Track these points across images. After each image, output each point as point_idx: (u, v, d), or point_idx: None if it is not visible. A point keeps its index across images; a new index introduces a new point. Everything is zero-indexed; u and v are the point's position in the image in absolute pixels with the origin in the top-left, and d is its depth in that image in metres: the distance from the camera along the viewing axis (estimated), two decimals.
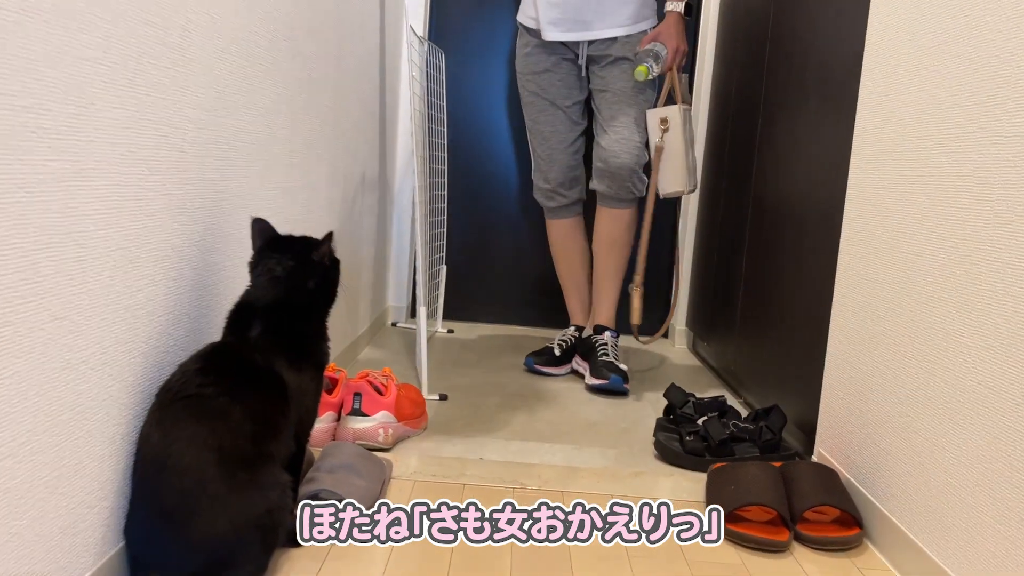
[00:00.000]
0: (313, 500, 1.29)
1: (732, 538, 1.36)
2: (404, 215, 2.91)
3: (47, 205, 0.82)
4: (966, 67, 1.18)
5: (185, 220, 1.14)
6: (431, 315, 2.75)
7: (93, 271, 0.91)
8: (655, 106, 2.29)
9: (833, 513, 1.41)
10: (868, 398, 1.42)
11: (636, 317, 2.28)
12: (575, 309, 2.54)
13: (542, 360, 2.39)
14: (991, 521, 1.06)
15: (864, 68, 1.52)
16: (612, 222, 2.37)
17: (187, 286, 1.17)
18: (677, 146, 2.23)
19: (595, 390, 2.21)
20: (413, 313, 2.98)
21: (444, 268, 2.90)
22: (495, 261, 3.04)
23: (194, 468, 1.02)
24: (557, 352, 2.40)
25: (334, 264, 1.25)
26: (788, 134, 1.96)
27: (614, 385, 2.17)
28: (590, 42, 2.31)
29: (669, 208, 2.83)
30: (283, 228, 1.26)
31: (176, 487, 1.01)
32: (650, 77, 2.22)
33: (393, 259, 2.91)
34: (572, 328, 2.49)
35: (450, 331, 2.87)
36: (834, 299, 1.59)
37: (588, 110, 2.43)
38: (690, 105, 2.30)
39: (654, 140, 2.24)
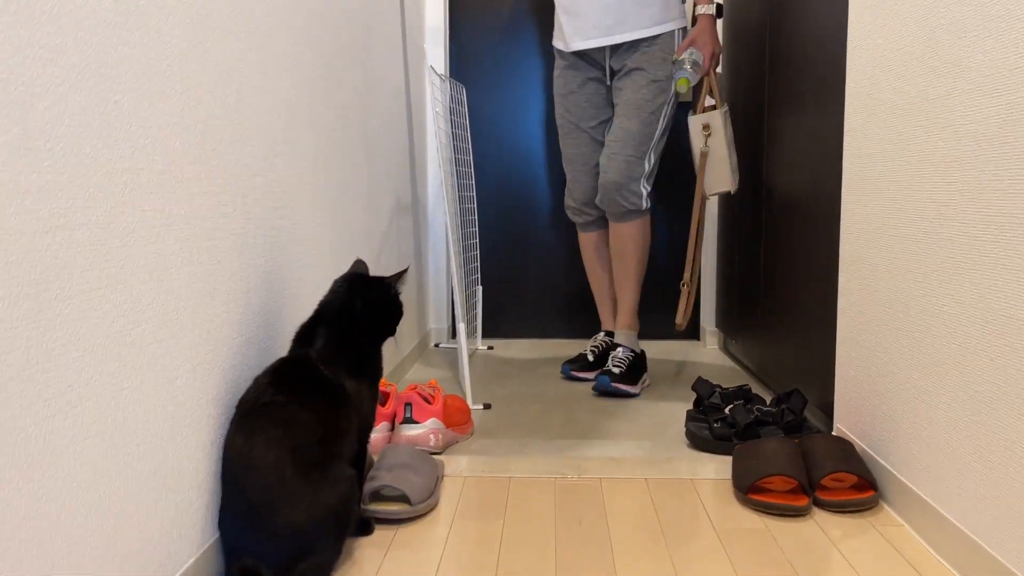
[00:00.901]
0: (376, 495, 1.45)
1: (756, 507, 1.48)
2: (439, 241, 3.08)
3: (144, 248, 0.99)
4: (928, 68, 1.32)
5: (249, 255, 1.31)
6: (471, 333, 2.91)
7: (181, 302, 1.08)
8: (694, 111, 2.36)
9: (850, 480, 1.53)
10: (874, 373, 1.54)
11: (679, 316, 2.36)
12: (605, 316, 2.64)
13: (577, 366, 2.52)
14: (979, 469, 1.18)
15: (848, 69, 1.66)
16: (615, 236, 2.47)
17: (254, 311, 1.34)
18: (720, 148, 2.31)
19: (595, 390, 2.32)
20: (454, 334, 3.15)
21: (480, 288, 3.07)
22: (529, 279, 3.19)
23: (273, 467, 1.18)
24: (591, 358, 2.53)
25: (394, 300, 1.42)
26: (790, 134, 2.10)
27: (600, 383, 2.29)
28: (613, 50, 2.38)
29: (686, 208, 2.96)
30: (326, 257, 1.43)
31: (259, 485, 1.17)
32: (691, 86, 2.28)
33: (431, 283, 3.08)
34: (602, 334, 2.61)
35: (490, 347, 3.03)
36: (839, 286, 1.72)
37: None
38: (726, 106, 2.38)
39: (698, 145, 2.33)
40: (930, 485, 1.33)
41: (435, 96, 2.47)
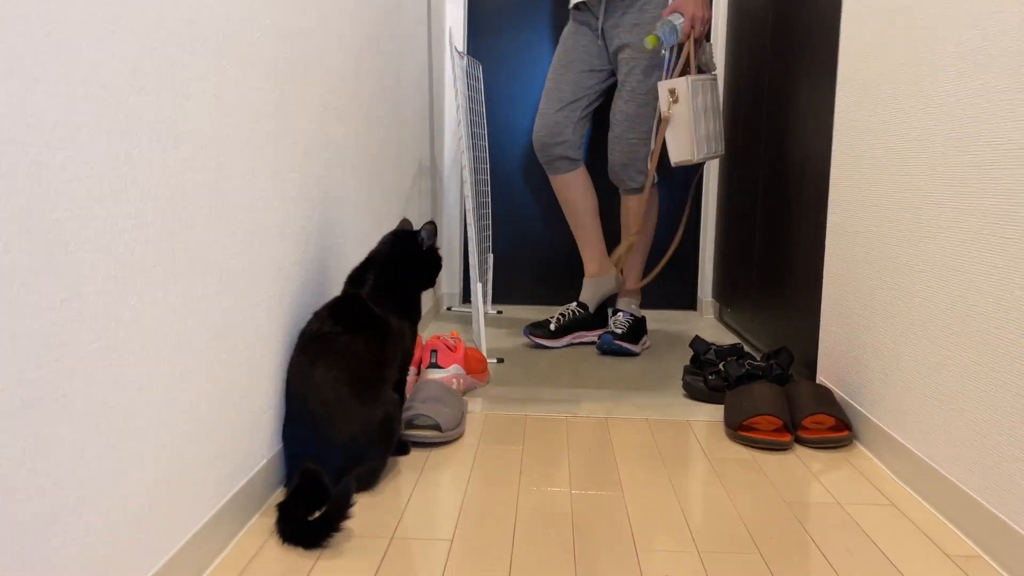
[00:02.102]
0: (411, 423, 1.65)
1: (744, 442, 1.69)
2: (453, 209, 3.27)
3: (240, 190, 1.18)
4: (905, 54, 1.51)
5: (308, 207, 1.50)
6: (483, 298, 3.10)
7: (260, 243, 1.27)
8: (670, 76, 2.34)
9: (829, 422, 1.73)
10: (852, 329, 1.74)
11: (614, 257, 2.63)
12: (588, 258, 2.69)
13: (538, 332, 2.59)
14: (936, 405, 1.38)
15: (839, 55, 1.85)
16: (623, 208, 2.62)
17: (311, 255, 1.53)
18: (686, 115, 2.29)
19: (598, 349, 2.53)
20: (465, 298, 3.34)
21: (491, 256, 3.25)
22: (537, 248, 3.38)
23: (332, 387, 1.37)
24: (552, 327, 2.59)
25: (436, 257, 1.61)
26: (786, 113, 2.29)
27: (603, 341, 2.49)
28: (607, 9, 2.45)
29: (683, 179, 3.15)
30: (363, 213, 1.62)
31: (321, 402, 1.36)
32: (662, 48, 2.29)
33: (444, 249, 3.27)
34: (575, 304, 2.66)
35: (499, 312, 3.23)
36: (825, 252, 1.91)
37: (607, 91, 2.60)
38: (713, 74, 2.39)
39: (663, 111, 2.31)
40: (896, 422, 1.53)
41: (455, 72, 2.64)
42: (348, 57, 1.73)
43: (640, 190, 2.56)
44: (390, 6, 2.16)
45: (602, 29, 2.50)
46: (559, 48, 2.61)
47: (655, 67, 2.44)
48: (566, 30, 2.61)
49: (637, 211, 2.59)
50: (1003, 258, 1.19)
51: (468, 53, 3.26)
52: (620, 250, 2.64)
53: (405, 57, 2.38)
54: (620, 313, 2.61)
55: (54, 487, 0.78)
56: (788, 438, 1.67)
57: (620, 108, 2.50)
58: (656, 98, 2.42)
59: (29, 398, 0.73)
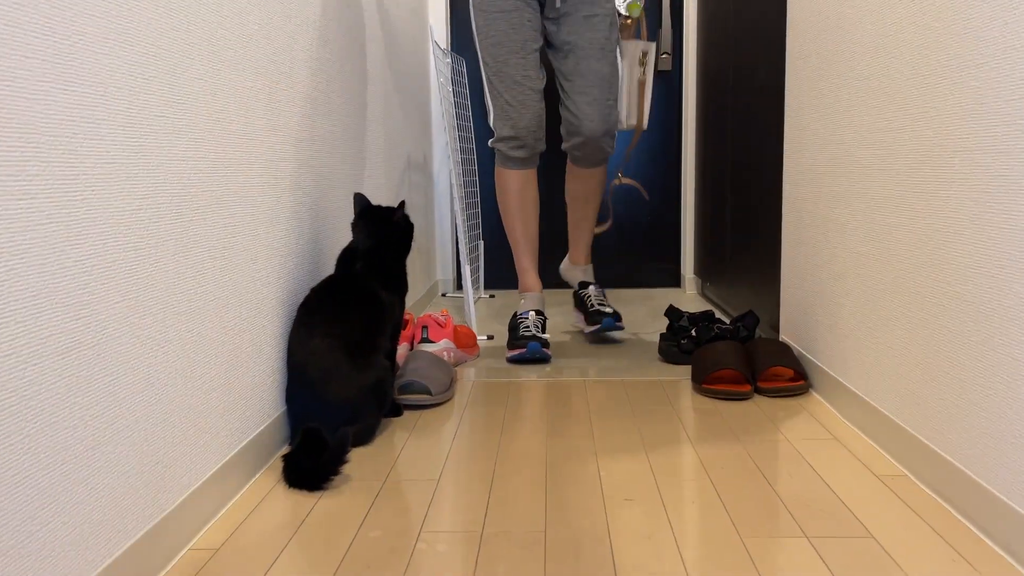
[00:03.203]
0: (403, 388, 1.80)
1: (709, 394, 1.84)
2: (443, 199, 3.43)
3: (237, 178, 1.33)
4: (834, 40, 1.66)
5: (301, 193, 1.65)
6: (474, 284, 3.25)
7: (259, 224, 1.43)
8: (637, 37, 2.29)
9: (787, 373, 1.89)
10: (806, 289, 1.89)
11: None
12: (528, 268, 2.46)
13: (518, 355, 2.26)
14: (869, 351, 1.53)
15: (787, 41, 2.00)
16: (584, 179, 2.41)
17: (306, 238, 1.68)
18: (649, 82, 2.30)
19: (595, 334, 2.48)
20: (459, 285, 3.50)
21: (482, 243, 3.41)
22: None
23: (328, 354, 1.53)
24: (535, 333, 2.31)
25: (408, 224, 1.76)
26: (748, 97, 2.44)
27: (607, 325, 2.37)
28: None
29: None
30: (352, 192, 1.77)
31: (319, 367, 1.52)
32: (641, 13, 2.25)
33: (437, 239, 3.43)
34: (533, 313, 2.35)
35: (491, 296, 3.38)
36: (782, 225, 2.06)
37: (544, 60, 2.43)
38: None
39: (636, 75, 2.28)
40: (840, 367, 1.69)
41: (438, 68, 2.80)
42: (333, 57, 1.89)
43: (606, 160, 2.40)
44: (373, 8, 2.31)
45: None
46: (501, 21, 2.25)
47: (615, 23, 2.28)
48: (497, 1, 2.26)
49: (602, 182, 2.46)
50: (916, 210, 1.34)
51: (452, 49, 3.41)
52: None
53: (391, 56, 2.54)
54: (592, 288, 2.51)
55: (93, 419, 0.93)
56: (748, 388, 1.82)
57: (592, 68, 2.23)
58: (616, 57, 2.27)
59: (69, 344, 0.89)
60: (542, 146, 2.36)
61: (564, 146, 2.37)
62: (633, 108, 2.39)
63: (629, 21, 2.36)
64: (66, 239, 0.89)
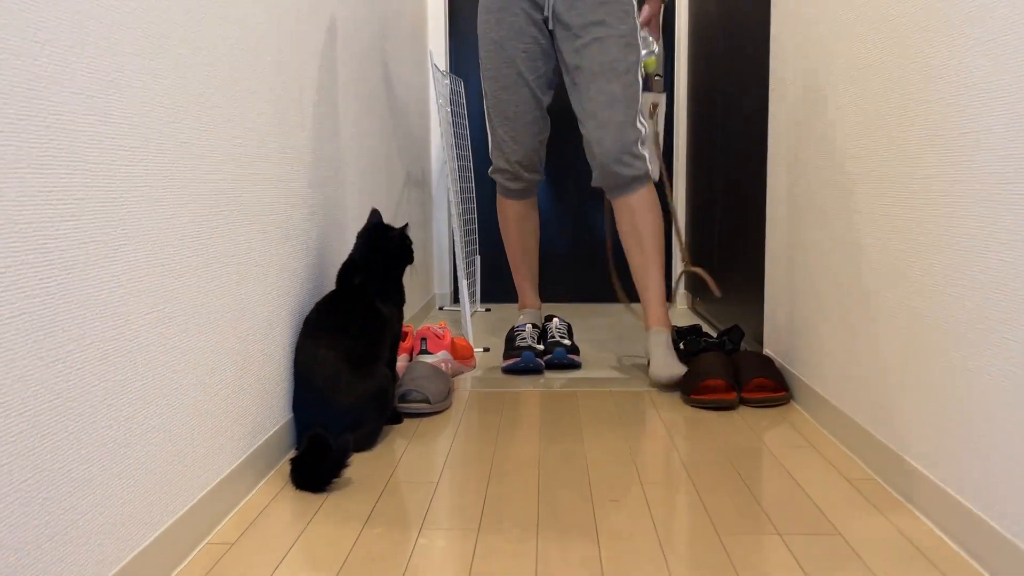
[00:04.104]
0: (404, 397, 1.90)
1: (696, 405, 1.94)
2: (441, 214, 3.53)
3: (253, 196, 1.43)
4: (818, 78, 1.76)
5: (308, 213, 1.75)
6: (471, 297, 3.35)
7: (271, 241, 1.52)
8: (647, 88, 2.28)
9: (770, 384, 1.98)
10: (788, 305, 1.99)
11: (712, 287, 2.39)
12: (527, 289, 2.54)
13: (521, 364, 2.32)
14: (842, 362, 1.63)
15: (771, 71, 2.10)
16: (624, 212, 2.17)
17: (313, 255, 1.78)
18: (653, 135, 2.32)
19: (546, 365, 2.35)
20: (456, 298, 3.59)
21: (479, 257, 3.51)
22: None
23: (333, 364, 1.62)
24: (542, 346, 2.39)
25: (403, 242, 1.85)
26: (732, 125, 2.55)
27: (556, 356, 2.33)
28: None
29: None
30: (359, 219, 1.87)
31: (324, 377, 1.61)
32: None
33: (435, 254, 3.53)
34: (530, 326, 2.41)
35: (487, 309, 3.48)
36: (766, 245, 2.16)
37: (557, 81, 2.32)
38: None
39: (651, 128, 2.26)
40: (818, 379, 1.78)
41: (437, 89, 2.90)
42: (338, 84, 1.99)
43: (644, 178, 2.16)
44: (376, 35, 2.42)
45: (554, 10, 2.17)
46: (494, 55, 2.23)
47: (632, 45, 2.14)
48: (499, 25, 2.21)
49: (656, 206, 2.17)
50: (884, 232, 1.44)
51: (451, 71, 3.52)
52: (705, 276, 2.39)
53: (392, 80, 2.64)
54: (556, 319, 2.47)
55: (126, 420, 1.03)
56: (733, 395, 1.91)
57: (603, 88, 2.11)
58: (636, 78, 2.14)
59: (107, 352, 0.99)
60: (538, 177, 2.39)
61: (593, 180, 2.22)
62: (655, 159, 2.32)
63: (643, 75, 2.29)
64: (105, 256, 0.98)
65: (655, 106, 2.32)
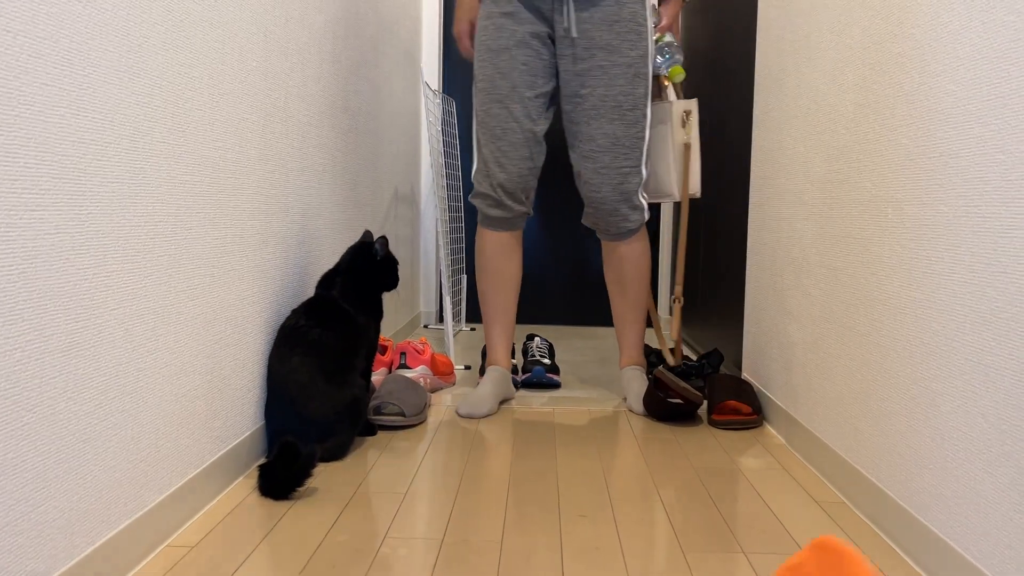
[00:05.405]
0: (379, 409, 1.89)
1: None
2: (428, 232, 3.53)
3: (228, 201, 1.43)
4: (796, 107, 1.78)
5: (289, 221, 1.75)
6: (456, 316, 3.35)
7: (248, 246, 1.53)
8: (668, 97, 2.16)
9: (746, 410, 1.98)
10: (764, 329, 2.00)
11: (675, 333, 2.24)
12: (497, 343, 2.15)
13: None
14: (815, 386, 1.63)
15: (754, 101, 2.13)
16: (613, 258, 2.10)
17: (292, 263, 1.78)
18: (695, 143, 2.10)
19: (524, 385, 2.36)
20: (441, 317, 3.59)
21: (465, 277, 3.51)
22: None
23: (307, 372, 1.61)
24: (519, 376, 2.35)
25: (390, 258, 1.85)
26: (721, 144, 2.57)
27: (535, 375, 2.34)
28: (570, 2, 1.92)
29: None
30: (340, 229, 1.88)
31: (296, 384, 1.60)
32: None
33: (421, 272, 3.53)
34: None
35: (472, 328, 3.47)
36: (746, 271, 2.17)
37: (556, 106, 2.07)
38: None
39: (680, 138, 2.11)
40: (791, 402, 1.78)
41: (428, 108, 2.92)
42: (325, 94, 2.00)
43: (637, 231, 2.07)
44: (367, 49, 2.44)
45: (562, 28, 1.96)
46: (489, 64, 2.00)
47: (641, 73, 1.96)
48: (499, 36, 1.98)
49: (644, 256, 2.09)
50: (856, 255, 1.45)
51: (443, 90, 3.54)
52: (674, 323, 2.28)
53: (383, 95, 2.66)
54: (537, 338, 2.50)
55: (87, 415, 1.02)
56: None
57: (604, 130, 1.95)
58: (644, 114, 1.98)
59: (69, 344, 0.98)
60: (523, 209, 2.06)
61: (583, 218, 2.10)
62: (681, 176, 2.14)
63: (666, 83, 2.20)
64: (72, 248, 0.98)
65: (687, 113, 2.14)
